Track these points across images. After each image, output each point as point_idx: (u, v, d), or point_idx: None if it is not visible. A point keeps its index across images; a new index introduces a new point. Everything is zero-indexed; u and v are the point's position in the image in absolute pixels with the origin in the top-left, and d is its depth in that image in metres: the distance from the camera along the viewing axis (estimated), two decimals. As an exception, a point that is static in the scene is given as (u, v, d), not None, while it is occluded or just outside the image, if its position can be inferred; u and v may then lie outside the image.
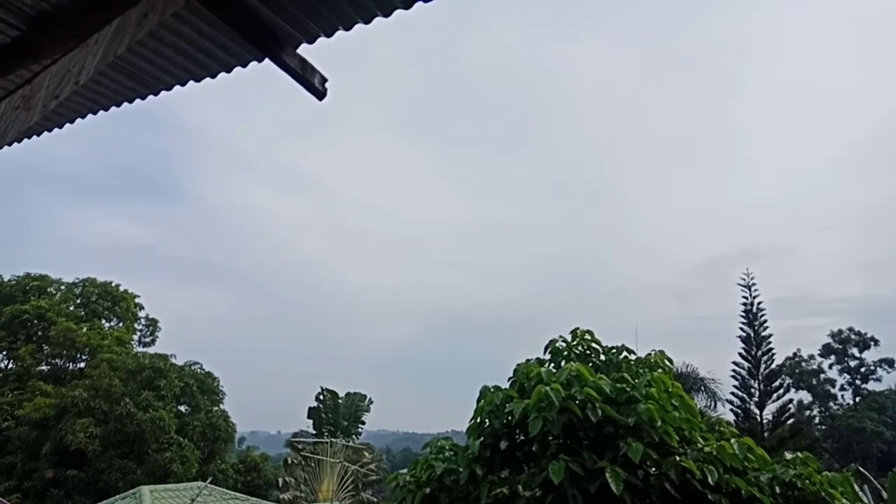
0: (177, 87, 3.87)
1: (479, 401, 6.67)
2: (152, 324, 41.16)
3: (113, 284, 39.21)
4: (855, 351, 67.95)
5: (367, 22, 3.10)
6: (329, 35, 3.24)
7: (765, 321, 32.06)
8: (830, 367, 68.34)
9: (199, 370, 37.17)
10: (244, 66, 3.58)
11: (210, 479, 23.66)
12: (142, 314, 40.74)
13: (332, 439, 31.22)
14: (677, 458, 5.56)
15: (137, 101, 4.08)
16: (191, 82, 3.81)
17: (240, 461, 40.08)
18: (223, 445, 35.94)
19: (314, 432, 37.90)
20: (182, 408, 35.48)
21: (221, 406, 37.08)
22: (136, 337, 40.21)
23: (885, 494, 13.96)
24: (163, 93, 3.93)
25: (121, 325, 39.32)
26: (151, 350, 38.58)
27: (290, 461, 34.31)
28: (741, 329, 32.37)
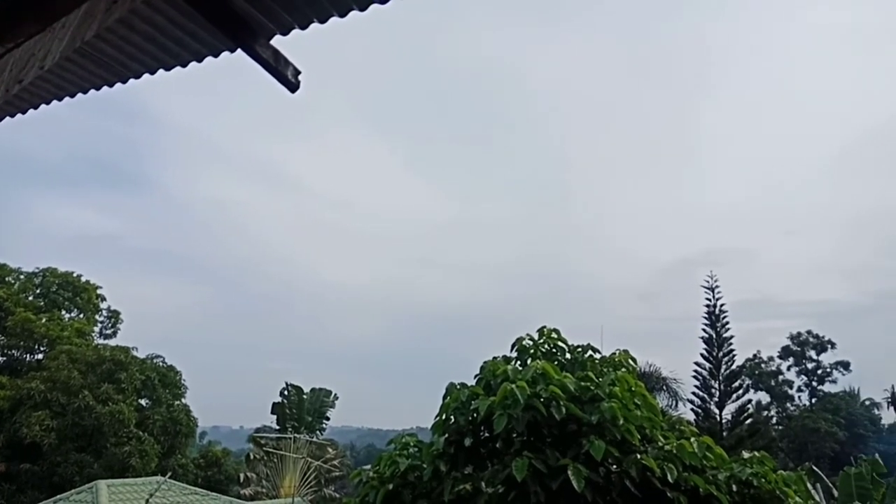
0: (146, 76, 3.80)
1: (445, 398, 6.70)
2: (114, 315, 40.38)
3: (74, 275, 38.35)
4: (813, 353, 69.73)
5: (342, 15, 3.08)
6: (304, 27, 3.21)
7: (727, 323, 32.67)
8: (789, 368, 70.07)
9: (161, 363, 36.56)
10: (216, 56, 3.53)
11: (170, 473, 23.33)
12: (104, 305, 39.94)
13: (296, 435, 31.02)
14: (638, 456, 5.66)
15: (105, 88, 4.00)
16: (161, 71, 3.74)
17: (201, 456, 39.51)
18: (184, 440, 35.40)
19: (278, 428, 37.62)
20: (143, 401, 34.86)
21: (183, 400, 36.53)
22: (96, 329, 39.40)
23: (836, 493, 14.41)
24: (132, 81, 3.86)
25: (81, 316, 38.48)
26: (112, 342, 37.82)
27: (252, 456, 34.04)
28: (703, 330, 32.94)
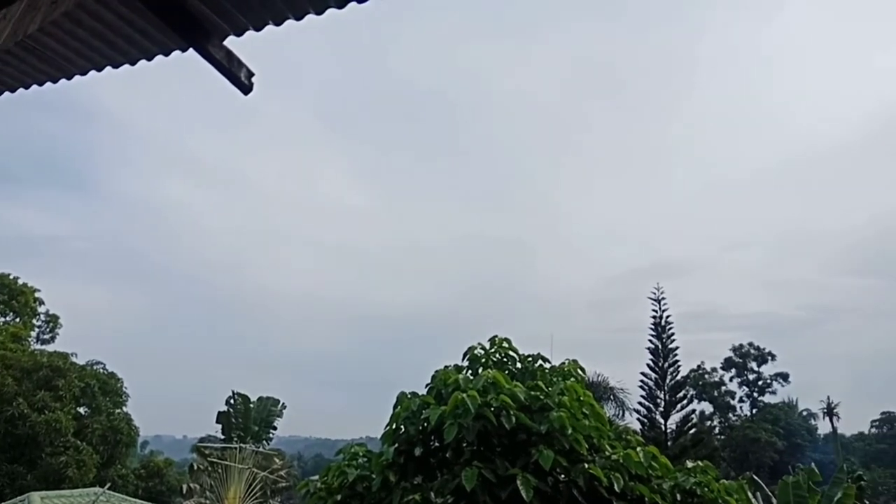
0: (93, 73, 3.69)
1: (395, 407, 6.65)
2: (53, 320, 39.00)
3: (11, 277, 36.92)
4: (754, 365, 71.90)
5: (298, 18, 3.05)
6: (258, 29, 3.17)
7: (672, 334, 33.43)
8: (731, 379, 72.11)
9: (101, 370, 35.42)
10: (167, 55, 3.44)
11: (108, 484, 22.59)
12: (42, 309, 38.55)
13: (242, 445, 30.37)
14: (586, 466, 5.72)
15: (48, 84, 3.87)
16: (108, 68, 3.64)
17: (142, 466, 38.36)
18: (124, 450, 34.32)
19: (223, 437, 36.75)
20: (81, 409, 33.68)
21: (124, 408, 35.44)
22: (33, 334, 38.00)
23: (774, 501, 14.83)
24: (77, 77, 3.74)
25: (17, 320, 37.03)
26: (50, 348, 36.52)
27: (195, 467, 33.13)
28: (650, 341, 33.62)
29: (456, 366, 7.59)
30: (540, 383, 6.62)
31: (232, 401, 37.80)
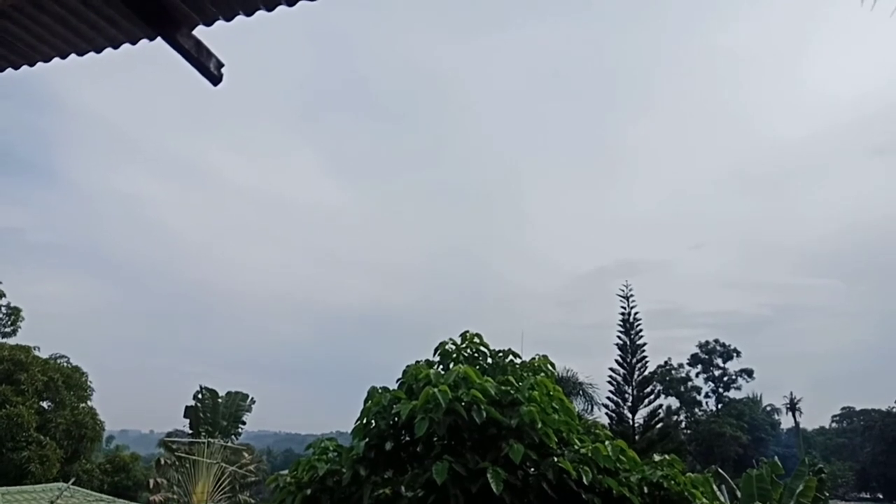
0: (56, 60, 3.60)
1: (366, 401, 6.63)
2: (14, 313, 38.01)
3: (-30, 269, 35.97)
4: (719, 361, 73.11)
5: (269, 9, 3.01)
6: (228, 19, 3.12)
7: (640, 331, 33.79)
8: (697, 375, 73.25)
9: (65, 364, 34.71)
10: (134, 43, 3.37)
11: (73, 479, 22.14)
12: (3, 302, 37.55)
13: (210, 439, 30.03)
14: (555, 459, 5.76)
15: (9, 70, 3.76)
16: (72, 56, 3.55)
17: (107, 461, 37.69)
18: (89, 444, 33.67)
19: (190, 432, 36.32)
20: (44, 404, 32.97)
21: (89, 402, 34.78)
22: (-6, 327, 37.01)
23: (739, 494, 15.13)
24: (39, 64, 3.64)
25: (-24, 313, 36.09)
26: (12, 341, 35.60)
27: (162, 461, 32.67)
28: (618, 337, 33.94)
29: (427, 361, 7.58)
30: (510, 378, 6.66)
31: (200, 395, 37.34)
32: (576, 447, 6.26)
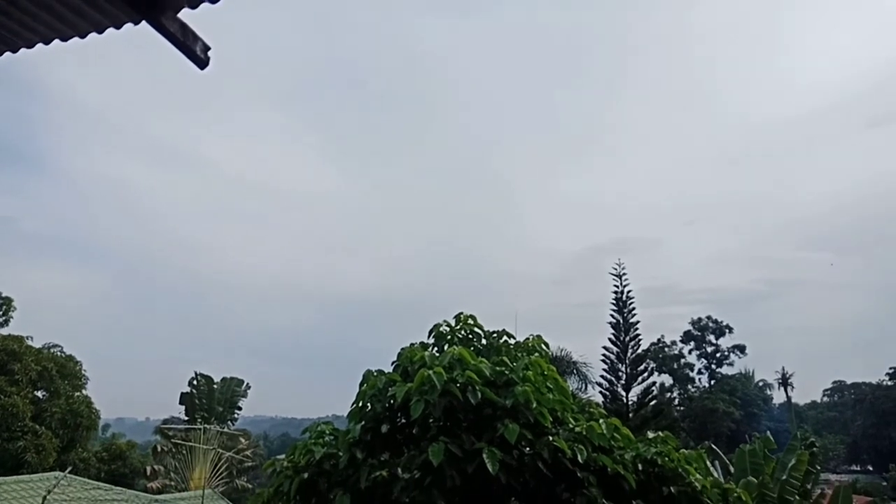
0: (40, 46, 3.54)
1: (361, 385, 6.64)
2: (6, 302, 37.79)
3: (-41, 259, 35.74)
4: (712, 338, 73.77)
5: (255, -9, 2.96)
6: (214, 1, 3.07)
7: (633, 309, 33.92)
8: (690, 352, 73.94)
9: (59, 353, 34.61)
10: (118, 27, 3.32)
11: (69, 468, 22.16)
12: (-6, 292, 37.35)
13: (206, 426, 30.11)
14: (550, 438, 5.81)
15: (-7, 57, 3.70)
16: (57, 41, 3.49)
17: (104, 449, 37.73)
18: (85, 433, 33.67)
19: (186, 419, 36.43)
20: (39, 393, 32.92)
21: (84, 391, 34.74)
22: (-14, 317, 36.81)
23: (732, 469, 15.31)
24: (23, 50, 3.58)
25: (-32, 303, 35.87)
26: (5, 331, 35.45)
27: (159, 448, 32.83)
28: (612, 316, 34.06)
29: (422, 343, 7.60)
30: (505, 359, 6.68)
31: (195, 382, 37.44)
32: (570, 426, 6.30)
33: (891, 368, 75.12)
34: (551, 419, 6.12)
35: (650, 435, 6.86)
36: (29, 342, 32.98)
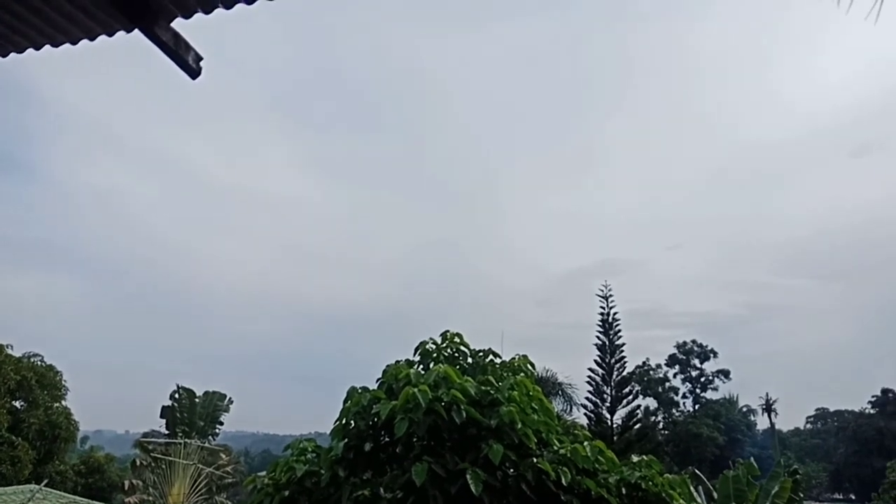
0: (30, 51, 3.51)
1: (345, 402, 6.59)
2: (-14, 311, 37.42)
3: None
4: (696, 362, 73.81)
5: (249, 2, 2.96)
6: (208, 12, 3.06)
7: (619, 331, 33.97)
8: (675, 376, 73.88)
9: (39, 363, 34.14)
10: (110, 35, 3.30)
11: (45, 481, 21.78)
12: (-26, 300, 36.92)
13: (187, 440, 29.69)
14: (534, 460, 5.76)
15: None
16: (47, 47, 3.47)
17: (81, 462, 37.17)
18: (63, 445, 33.19)
19: (167, 432, 35.91)
20: (17, 403, 32.42)
21: (63, 402, 34.26)
22: (-35, 325, 36.37)
23: (715, 495, 15.27)
24: (13, 55, 3.56)
25: (-52, 310, 35.44)
26: (-17, 339, 34.97)
27: (138, 462, 32.28)
28: (597, 337, 34.10)
29: (407, 360, 7.56)
30: (490, 378, 6.65)
31: (177, 395, 36.91)
32: (555, 448, 6.26)
33: (873, 397, 75.54)
34: (536, 440, 6.08)
35: (634, 459, 6.82)
36: (9, 350, 32.54)
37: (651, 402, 70.72)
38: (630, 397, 33.67)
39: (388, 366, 7.12)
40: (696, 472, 18.74)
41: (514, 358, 8.00)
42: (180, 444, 28.62)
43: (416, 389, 5.82)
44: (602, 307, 33.96)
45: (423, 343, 7.75)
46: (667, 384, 73.08)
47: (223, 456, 33.99)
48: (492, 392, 6.27)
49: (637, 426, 33.60)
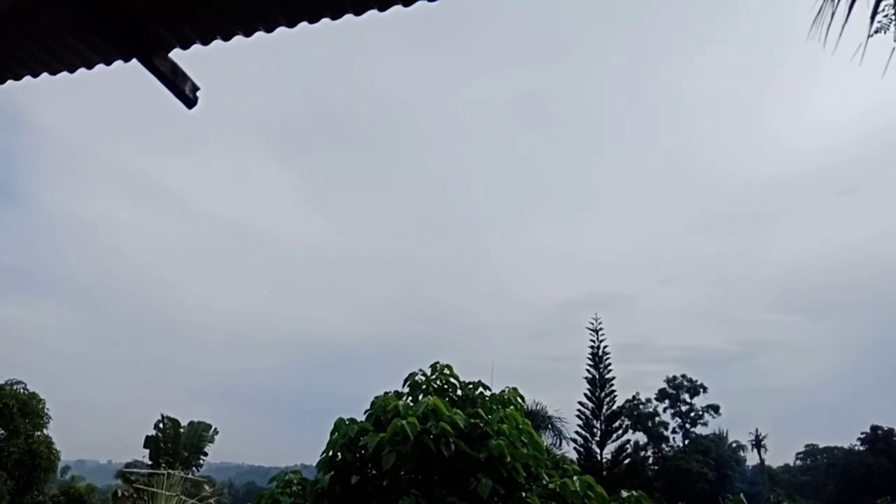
0: (27, 78, 3.54)
1: (332, 433, 6.52)
2: (-31, 337, 36.95)
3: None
4: (686, 396, 73.53)
5: (247, 35, 3.01)
6: (206, 44, 3.11)
7: (609, 364, 34.01)
8: (664, 410, 73.46)
9: (21, 390, 33.60)
10: (108, 64, 3.34)
11: (24, 512, 21.31)
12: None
13: (170, 471, 29.21)
14: (524, 495, 5.71)
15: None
16: (44, 74, 3.50)
17: (61, 492, 36.33)
18: (43, 475, 32.48)
19: (150, 463, 35.32)
20: (-2, 432, 31.82)
21: (45, 431, 33.64)
22: (-52, 350, 35.87)
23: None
24: (10, 82, 3.59)
25: (-69, 335, 34.98)
26: (-34, 366, 34.48)
27: (120, 493, 31.65)
28: (588, 371, 34.12)
29: (396, 392, 7.50)
30: (480, 411, 6.61)
31: (161, 425, 36.35)
32: (544, 482, 6.21)
33: (862, 433, 75.45)
34: (525, 474, 6.03)
35: (624, 494, 6.77)
36: (-9, 378, 32.04)
37: (641, 437, 70.25)
38: (620, 431, 33.59)
39: (376, 397, 7.07)
40: (686, 508, 18.57)
41: (503, 390, 7.96)
42: (163, 474, 28.15)
43: (404, 422, 5.77)
44: (592, 340, 34.08)
45: (412, 374, 7.70)
46: (656, 419, 72.63)
47: (207, 487, 33.37)
48: (481, 425, 6.23)
49: (627, 461, 33.42)
